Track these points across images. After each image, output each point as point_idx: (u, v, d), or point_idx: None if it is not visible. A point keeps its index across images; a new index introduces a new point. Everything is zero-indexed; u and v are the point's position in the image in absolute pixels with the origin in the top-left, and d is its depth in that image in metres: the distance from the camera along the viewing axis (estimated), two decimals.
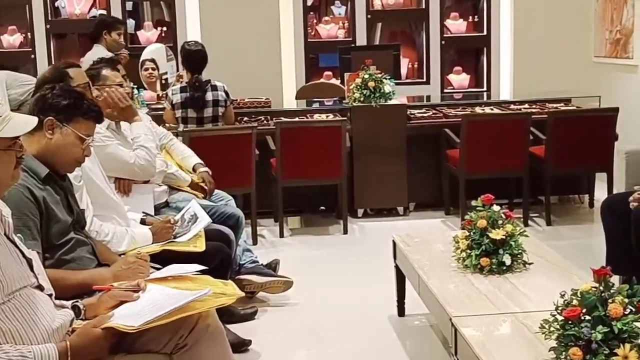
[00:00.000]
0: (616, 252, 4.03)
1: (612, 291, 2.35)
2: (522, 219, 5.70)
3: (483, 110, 6.19)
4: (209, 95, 5.50)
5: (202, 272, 2.71)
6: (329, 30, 8.03)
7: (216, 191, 4.39)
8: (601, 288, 2.36)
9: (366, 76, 5.95)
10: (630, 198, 3.91)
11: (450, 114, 6.07)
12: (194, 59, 5.48)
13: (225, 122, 5.55)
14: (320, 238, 5.66)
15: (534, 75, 7.34)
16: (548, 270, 3.32)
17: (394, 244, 3.95)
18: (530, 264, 3.33)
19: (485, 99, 7.28)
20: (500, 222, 3.36)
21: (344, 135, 5.56)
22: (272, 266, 4.43)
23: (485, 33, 7.91)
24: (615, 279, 3.74)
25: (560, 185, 6.08)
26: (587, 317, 2.32)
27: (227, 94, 5.65)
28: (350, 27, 7.89)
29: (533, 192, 5.97)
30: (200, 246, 3.29)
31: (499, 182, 5.92)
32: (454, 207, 5.96)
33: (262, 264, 4.35)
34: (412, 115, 6.10)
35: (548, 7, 7.40)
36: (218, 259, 3.38)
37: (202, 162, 4.33)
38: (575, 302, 2.37)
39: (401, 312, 4.03)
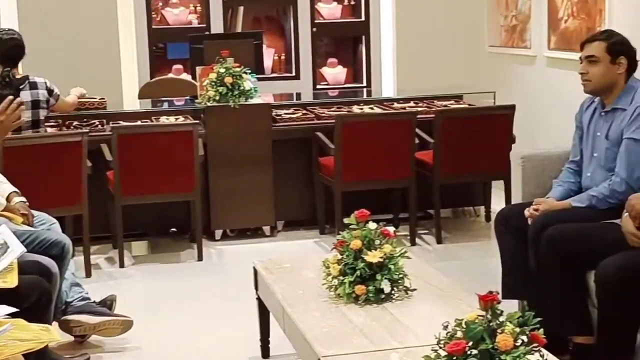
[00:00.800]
0: (513, 272, 4.15)
1: (500, 320, 2.42)
2: (409, 237, 5.84)
3: (362, 109, 6.30)
4: (26, 95, 5.33)
5: (14, 314, 2.62)
6: (178, 14, 7.98)
7: (36, 212, 4.25)
8: (489, 317, 2.42)
9: (222, 70, 5.94)
10: (526, 211, 4.07)
11: (324, 115, 6.15)
12: (4, 48, 5.32)
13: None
14: (169, 267, 5.60)
15: (421, 68, 7.52)
16: (434, 297, 3.39)
17: (255, 271, 3.95)
18: (413, 290, 3.39)
19: (364, 96, 7.43)
20: (377, 242, 3.41)
21: (196, 141, 5.53)
22: (108, 303, 4.35)
23: (363, 19, 8.07)
24: (512, 305, 3.90)
25: (453, 196, 6.26)
26: (474, 352, 2.38)
27: (50, 91, 5.51)
28: (204, 11, 7.86)
29: (421, 205, 6.13)
30: (12, 281, 3.19)
31: (381, 195, 6.10)
32: (330, 225, 6.04)
33: (94, 301, 4.26)
34: (279, 117, 6.14)
35: None
36: (35, 297, 3.29)
37: (17, 190, 4.17)
38: (459, 333, 2.43)
39: (265, 353, 4.03)
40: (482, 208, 6.44)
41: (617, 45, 4.08)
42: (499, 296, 2.46)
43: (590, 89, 4.12)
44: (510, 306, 2.85)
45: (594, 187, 4.05)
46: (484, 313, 2.44)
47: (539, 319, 2.46)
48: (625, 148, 3.97)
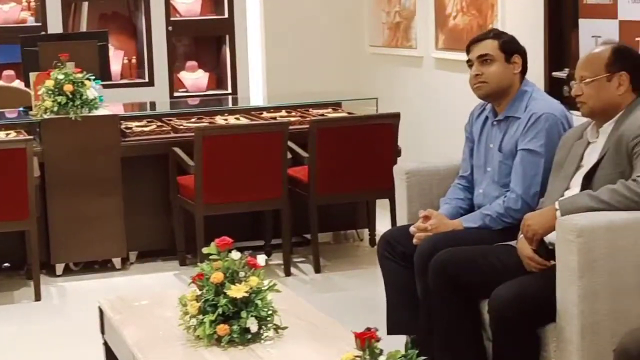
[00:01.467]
0: (399, 304, 4.23)
1: None
2: (283, 267, 5.88)
3: (226, 120, 6.32)
4: None
5: None
6: (8, 11, 7.83)
7: None
8: (367, 357, 2.47)
9: (60, 77, 5.86)
10: (412, 228, 4.15)
11: (182, 127, 6.14)
12: None
13: None
14: (1, 309, 5.47)
15: (293, 72, 7.58)
16: (309, 335, 3.41)
17: (101, 311, 3.90)
18: (284, 328, 3.41)
19: (229, 104, 7.46)
20: (242, 274, 3.41)
21: (30, 160, 5.44)
22: None
23: (226, 15, 8.08)
24: (400, 341, 3.96)
25: (332, 218, 6.34)
26: None
27: None
28: (40, 7, 7.73)
29: (297, 230, 6.20)
30: None
31: (250, 219, 6.12)
32: (192, 255, 6.02)
33: None
34: (129, 130, 6.10)
35: None
36: None
37: None
38: None
39: None
40: (366, 231, 6.52)
41: (509, 44, 4.23)
42: (378, 333, 2.51)
43: (486, 92, 4.22)
44: (397, 342, 2.90)
45: (487, 204, 4.17)
46: (360, 353, 2.48)
47: (426, 357, 2.52)
48: (520, 160, 4.10)
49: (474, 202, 4.30)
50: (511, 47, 4.21)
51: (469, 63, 4.27)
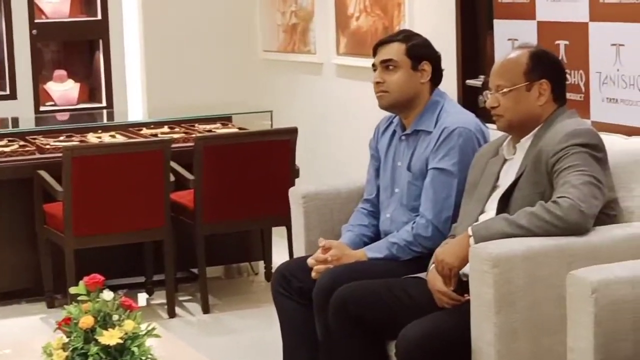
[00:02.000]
0: (297, 346, 4.23)
1: None
2: (166, 306, 5.84)
3: (99, 138, 6.26)
4: None
5: None
6: None
7: None
8: None
9: None
10: (310, 260, 4.16)
11: (49, 147, 6.06)
12: None
13: None
14: None
15: (177, 82, 7.53)
16: None
17: None
18: None
19: (104, 120, 7.38)
20: (116, 317, 3.38)
21: None
22: None
23: (100, 17, 8.00)
24: None
25: (223, 249, 6.33)
26: None
27: None
28: None
29: (182, 264, 6.17)
30: None
31: (131, 251, 6.05)
32: (62, 294, 5.93)
33: None
34: None
35: None
36: None
37: None
38: None
39: None
40: (262, 263, 6.51)
41: (419, 48, 4.26)
42: None
43: (387, 102, 4.25)
44: None
45: (394, 231, 4.19)
46: None
47: None
48: (431, 181, 4.14)
49: (379, 229, 4.33)
50: (420, 53, 4.24)
51: (374, 67, 4.29)
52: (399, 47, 4.23)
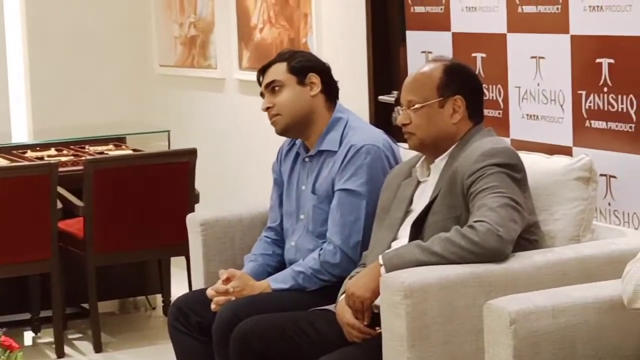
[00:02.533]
0: None
1: None
2: (54, 346, 5.79)
3: None
4: None
5: None
6: None
7: None
8: None
9: None
10: (209, 291, 4.14)
11: None
12: None
13: None
14: None
15: (66, 100, 7.47)
16: None
17: None
18: None
19: None
20: None
21: None
22: None
23: None
24: None
25: (117, 282, 6.30)
26: None
27: None
28: None
29: (73, 298, 6.12)
30: None
31: (13, 286, 5.98)
32: None
33: None
34: None
35: None
36: None
37: None
38: None
39: None
40: (159, 297, 6.47)
41: (301, 62, 4.28)
42: None
43: (283, 126, 4.28)
44: None
45: (300, 260, 4.20)
46: None
47: None
48: (338, 204, 4.15)
49: (284, 258, 4.33)
50: (303, 66, 4.26)
51: (262, 95, 4.32)
52: (281, 67, 4.27)
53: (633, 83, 4.00)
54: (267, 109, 4.26)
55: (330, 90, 4.30)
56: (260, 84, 4.32)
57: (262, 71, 4.33)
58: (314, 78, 4.25)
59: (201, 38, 7.09)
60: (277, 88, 4.23)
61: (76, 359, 5.81)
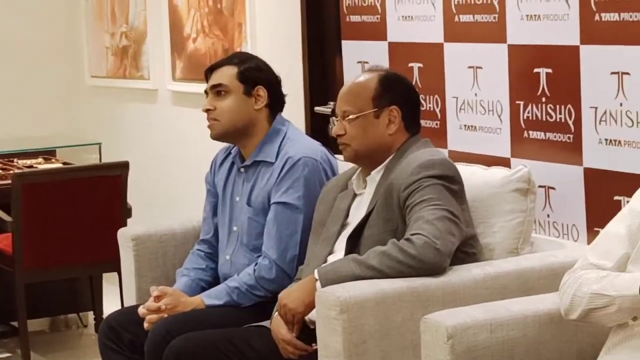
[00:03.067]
0: None
1: None
2: None
3: None
4: None
5: None
6: None
7: None
8: None
9: None
10: (141, 309, 4.12)
11: None
12: None
13: None
14: None
15: None
16: None
17: None
18: None
19: None
20: None
21: None
22: None
23: None
24: None
25: (48, 299, 6.25)
26: None
27: None
28: None
29: (2, 316, 6.09)
30: None
31: None
32: None
33: None
34: None
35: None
36: None
37: None
38: None
39: None
40: (91, 314, 6.43)
41: (252, 72, 4.26)
42: None
43: (218, 132, 4.26)
44: None
45: (234, 274, 4.18)
46: None
47: None
48: (274, 217, 4.14)
49: (218, 273, 4.32)
50: (253, 77, 4.24)
51: (206, 93, 4.29)
52: (231, 71, 4.24)
53: (570, 93, 4.03)
54: (207, 110, 4.23)
55: (276, 104, 4.29)
56: (207, 80, 4.29)
57: (210, 69, 4.30)
58: (261, 91, 4.24)
59: (133, 48, 7.05)
60: (222, 92, 4.21)
61: None
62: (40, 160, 6.52)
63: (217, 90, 4.22)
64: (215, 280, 4.30)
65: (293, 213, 4.12)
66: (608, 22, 3.84)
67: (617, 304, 2.88)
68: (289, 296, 3.66)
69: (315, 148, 4.26)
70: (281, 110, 4.33)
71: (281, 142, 4.24)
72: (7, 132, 7.16)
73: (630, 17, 3.75)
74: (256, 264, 4.11)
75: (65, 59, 7.59)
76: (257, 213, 4.21)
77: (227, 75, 4.22)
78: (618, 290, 2.87)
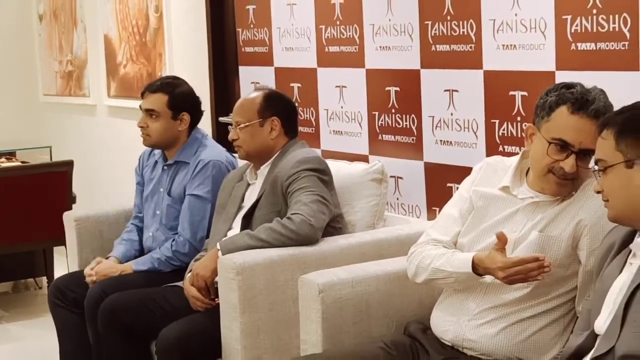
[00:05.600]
0: (72, 351, 4.14)
1: None
2: None
3: None
4: None
5: None
6: None
7: None
8: None
9: None
10: (86, 270, 4.07)
11: None
12: None
13: None
14: None
15: None
16: None
17: None
18: None
19: None
20: None
21: None
22: None
23: None
24: None
25: (8, 267, 6.11)
26: None
27: None
28: None
29: None
30: None
31: None
32: None
33: None
34: None
35: None
36: None
37: None
38: None
39: None
40: (45, 279, 6.31)
41: (180, 101, 4.20)
42: None
43: (149, 144, 4.24)
44: None
45: (155, 247, 4.14)
46: None
47: None
48: (188, 205, 4.10)
49: (143, 246, 4.27)
50: (180, 105, 4.19)
51: (141, 109, 4.23)
52: (162, 99, 4.17)
53: (413, 106, 4.06)
54: (141, 127, 4.18)
55: (196, 122, 4.26)
56: (142, 96, 4.22)
57: (148, 88, 4.23)
58: (185, 116, 4.20)
59: (77, 72, 6.94)
60: (154, 116, 4.16)
61: None
62: (3, 160, 6.37)
63: (150, 113, 4.17)
64: (142, 249, 4.25)
65: (203, 203, 4.09)
66: (441, 52, 3.87)
67: (454, 278, 2.90)
68: (199, 266, 3.64)
69: (221, 153, 4.24)
70: (197, 124, 4.29)
71: (197, 148, 4.21)
72: None
73: (459, 48, 3.78)
74: (173, 240, 4.07)
75: (22, 81, 7.45)
76: (175, 201, 4.18)
77: (159, 102, 4.16)
78: (455, 268, 2.88)
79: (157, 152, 4.33)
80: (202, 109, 4.34)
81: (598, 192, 2.48)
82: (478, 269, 2.80)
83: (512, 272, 2.68)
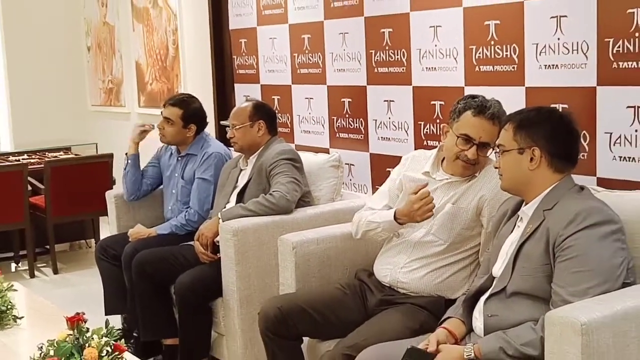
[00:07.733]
0: (113, 293, 4.10)
1: (87, 336, 2.36)
2: (28, 271, 5.54)
3: None
4: None
5: None
6: None
7: None
8: (76, 334, 2.36)
9: None
10: (130, 231, 4.04)
11: None
12: None
13: None
14: None
15: (35, 125, 7.12)
16: (40, 322, 3.22)
17: None
18: (21, 318, 3.19)
19: None
20: None
21: None
22: None
23: None
24: (116, 319, 3.84)
25: (67, 232, 6.05)
26: None
27: None
28: None
29: (40, 242, 5.84)
30: None
31: (3, 236, 5.72)
32: None
33: None
34: None
35: (39, 57, 7.13)
36: None
37: None
38: (52, 352, 2.33)
39: None
40: (93, 240, 6.26)
41: (189, 116, 4.15)
42: (86, 315, 2.41)
43: (164, 142, 4.22)
44: (114, 320, 2.81)
45: (174, 217, 4.12)
46: (72, 332, 2.37)
47: (130, 328, 2.43)
48: (197, 186, 4.08)
49: (164, 217, 4.24)
50: (190, 118, 4.14)
51: (162, 114, 4.20)
52: (178, 112, 4.13)
53: (361, 111, 4.05)
54: (160, 129, 4.14)
55: (200, 130, 4.20)
56: (164, 105, 4.18)
57: (169, 101, 4.18)
58: (192, 126, 4.16)
59: (115, 89, 6.87)
60: (169, 122, 4.12)
61: (42, 278, 5.57)
62: (61, 153, 6.33)
63: (167, 120, 4.13)
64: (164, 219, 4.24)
65: (207, 184, 4.07)
66: (382, 73, 3.86)
67: (382, 227, 2.91)
68: (204, 228, 3.65)
69: (220, 147, 4.21)
70: (204, 129, 4.26)
71: (202, 144, 4.18)
72: (43, 137, 6.91)
73: (394, 69, 3.77)
74: (186, 212, 4.05)
75: (75, 95, 7.33)
76: (187, 183, 4.15)
77: (175, 113, 4.13)
78: (382, 219, 2.90)
79: (172, 147, 4.30)
80: (207, 121, 4.29)
81: (496, 168, 2.50)
82: (399, 219, 2.82)
83: (423, 203, 2.72)
